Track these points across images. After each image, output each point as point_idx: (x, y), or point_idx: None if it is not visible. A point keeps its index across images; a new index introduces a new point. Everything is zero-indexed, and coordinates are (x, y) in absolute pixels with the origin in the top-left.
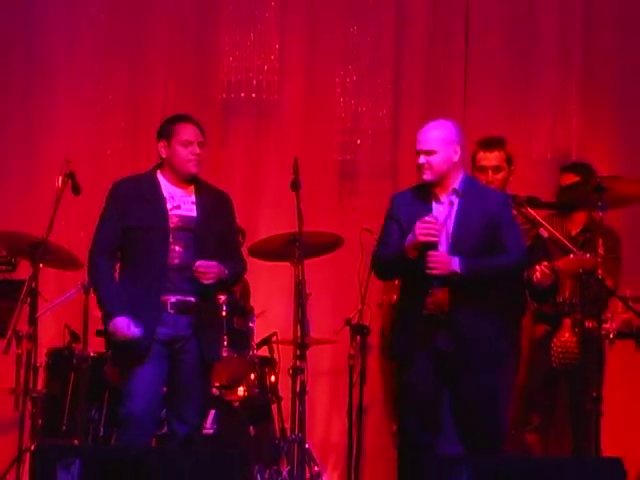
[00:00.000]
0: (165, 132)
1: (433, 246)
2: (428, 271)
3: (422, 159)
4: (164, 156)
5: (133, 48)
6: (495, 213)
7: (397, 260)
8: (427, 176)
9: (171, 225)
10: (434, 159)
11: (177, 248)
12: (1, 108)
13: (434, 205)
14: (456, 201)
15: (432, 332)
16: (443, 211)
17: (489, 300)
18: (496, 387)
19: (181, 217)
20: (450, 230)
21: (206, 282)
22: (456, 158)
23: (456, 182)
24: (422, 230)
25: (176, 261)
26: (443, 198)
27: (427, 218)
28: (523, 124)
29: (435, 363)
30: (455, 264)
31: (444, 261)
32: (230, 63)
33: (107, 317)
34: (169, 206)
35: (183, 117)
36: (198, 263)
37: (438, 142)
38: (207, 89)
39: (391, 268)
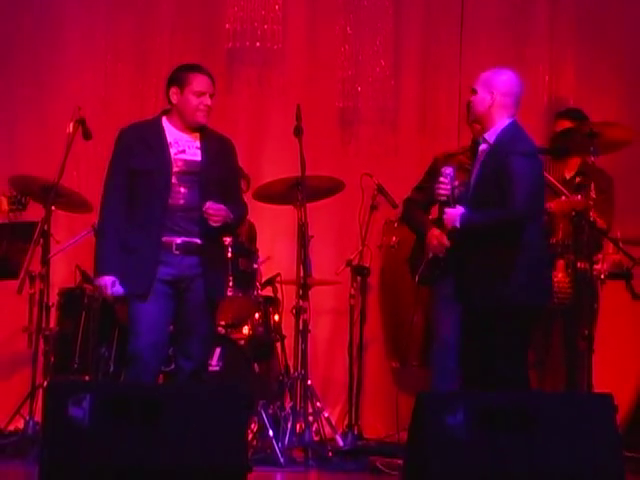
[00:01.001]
0: (178, 79)
1: (457, 201)
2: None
3: (471, 97)
4: (175, 102)
5: None
6: (503, 161)
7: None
8: (469, 116)
9: (175, 169)
10: (474, 99)
11: (182, 190)
12: (14, 57)
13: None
14: (485, 151)
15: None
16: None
17: (488, 257)
18: (500, 341)
19: (185, 161)
20: (472, 181)
21: (214, 224)
22: (490, 102)
23: (491, 130)
24: (435, 190)
25: (181, 202)
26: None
27: (441, 178)
28: (518, 71)
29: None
30: (457, 219)
31: (450, 218)
32: (235, 13)
33: (95, 273)
34: (174, 151)
35: (197, 67)
36: (208, 204)
37: (479, 82)
38: (213, 38)
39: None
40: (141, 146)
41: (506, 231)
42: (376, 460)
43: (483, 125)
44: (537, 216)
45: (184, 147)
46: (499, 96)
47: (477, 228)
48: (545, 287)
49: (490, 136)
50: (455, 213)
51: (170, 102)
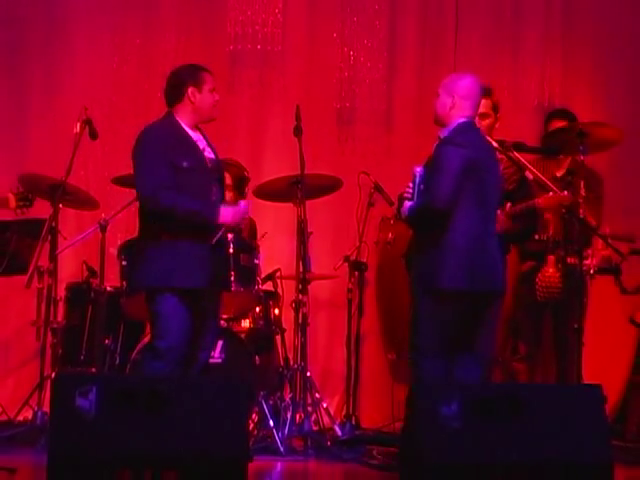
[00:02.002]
0: (195, 79)
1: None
2: None
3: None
4: (194, 101)
5: (146, 2)
6: (438, 152)
7: None
8: (434, 118)
9: (208, 166)
10: (436, 101)
11: (213, 187)
12: (23, 59)
13: None
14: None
15: None
16: None
17: (424, 243)
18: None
19: (209, 159)
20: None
21: (242, 224)
22: (451, 105)
23: (446, 129)
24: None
25: (214, 198)
26: None
27: (410, 182)
28: (510, 73)
29: None
30: (406, 210)
31: (403, 209)
32: (236, 16)
33: (213, 218)
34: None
35: (203, 66)
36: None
37: (442, 86)
38: (215, 41)
39: None
40: (178, 144)
41: (430, 219)
42: (373, 449)
43: (443, 125)
44: (478, 205)
45: (203, 146)
46: (458, 99)
47: (414, 217)
48: (476, 273)
49: (443, 133)
50: (407, 204)
51: (181, 102)
